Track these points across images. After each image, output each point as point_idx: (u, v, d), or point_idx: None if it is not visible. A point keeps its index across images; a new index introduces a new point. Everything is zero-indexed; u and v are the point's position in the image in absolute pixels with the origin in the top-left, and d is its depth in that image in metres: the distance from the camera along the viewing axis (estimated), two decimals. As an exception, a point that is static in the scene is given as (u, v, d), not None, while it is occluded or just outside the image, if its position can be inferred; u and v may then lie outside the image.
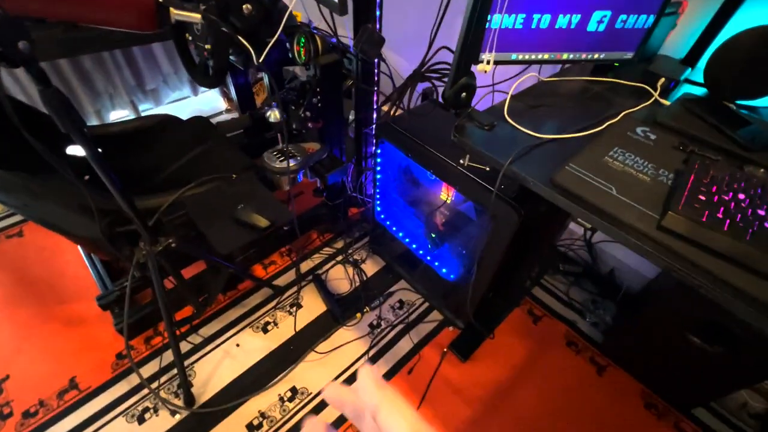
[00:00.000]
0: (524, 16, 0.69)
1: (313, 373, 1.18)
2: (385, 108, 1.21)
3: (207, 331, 1.26)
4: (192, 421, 1.08)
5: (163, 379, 1.15)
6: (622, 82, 0.86)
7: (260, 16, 0.93)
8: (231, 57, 1.08)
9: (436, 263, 1.25)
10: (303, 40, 1.00)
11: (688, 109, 0.75)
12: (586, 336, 1.31)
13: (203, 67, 1.05)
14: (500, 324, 1.32)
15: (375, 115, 1.29)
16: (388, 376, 1.20)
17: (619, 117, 0.73)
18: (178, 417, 1.08)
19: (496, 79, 0.82)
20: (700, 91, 0.84)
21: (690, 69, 0.88)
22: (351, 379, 1.17)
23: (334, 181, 1.23)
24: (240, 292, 1.38)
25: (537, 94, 0.83)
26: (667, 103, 0.79)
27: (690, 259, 0.49)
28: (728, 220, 0.50)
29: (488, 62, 0.70)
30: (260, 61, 0.89)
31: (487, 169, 0.86)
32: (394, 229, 1.34)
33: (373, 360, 1.23)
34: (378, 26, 1.04)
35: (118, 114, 1.96)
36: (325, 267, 1.47)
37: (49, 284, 1.37)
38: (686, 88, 0.87)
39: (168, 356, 1.18)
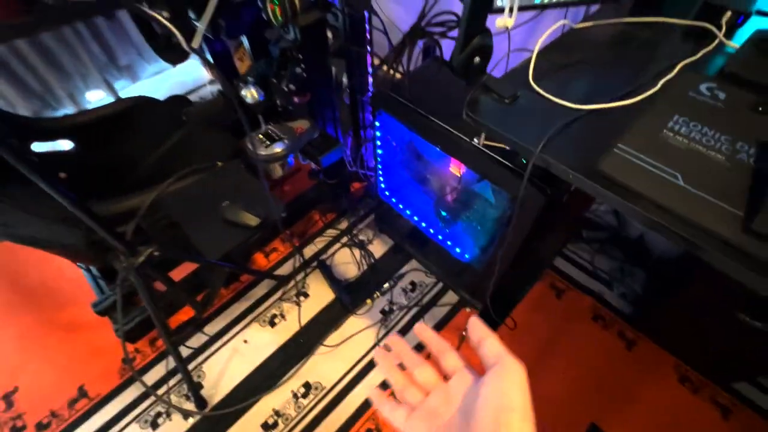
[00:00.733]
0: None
1: (325, 366, 1.13)
2: (383, 71, 1.05)
3: (212, 328, 1.21)
4: (206, 423, 1.05)
5: (172, 381, 1.11)
6: (672, 20, 0.68)
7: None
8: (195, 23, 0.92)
9: (449, 242, 1.14)
10: (276, -4, 0.83)
11: (765, 51, 0.59)
12: (613, 308, 1.22)
13: (165, 39, 0.90)
14: (521, 301, 1.23)
15: (370, 80, 1.13)
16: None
17: (674, 71, 0.58)
18: (191, 420, 1.05)
19: (514, 32, 0.66)
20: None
21: (762, -4, 0.69)
22: (365, 372, 1.12)
23: (329, 163, 1.10)
24: (243, 284, 1.30)
25: (566, 47, 0.67)
26: (735, 45, 0.63)
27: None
28: None
29: (510, 10, 0.54)
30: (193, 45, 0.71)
31: (507, 147, 0.72)
32: (400, 206, 1.22)
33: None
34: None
35: (94, 95, 1.80)
36: (330, 251, 1.37)
37: (46, 289, 1.31)
38: (759, 22, 0.69)
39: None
